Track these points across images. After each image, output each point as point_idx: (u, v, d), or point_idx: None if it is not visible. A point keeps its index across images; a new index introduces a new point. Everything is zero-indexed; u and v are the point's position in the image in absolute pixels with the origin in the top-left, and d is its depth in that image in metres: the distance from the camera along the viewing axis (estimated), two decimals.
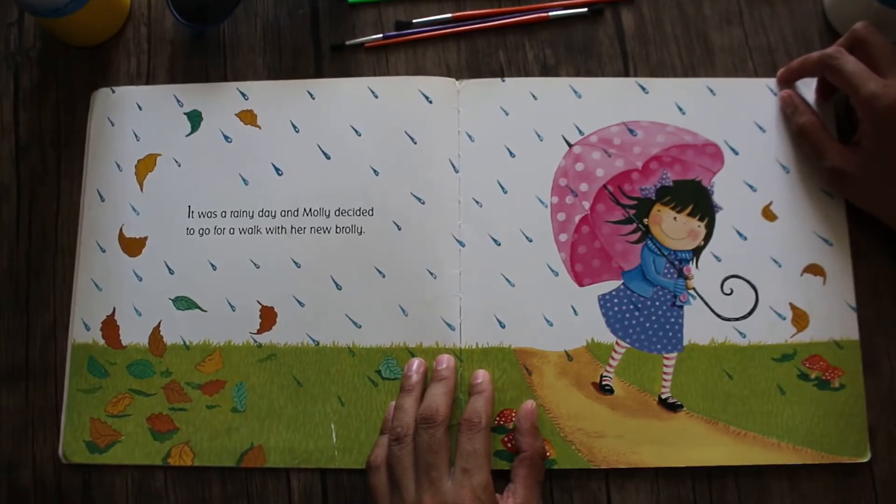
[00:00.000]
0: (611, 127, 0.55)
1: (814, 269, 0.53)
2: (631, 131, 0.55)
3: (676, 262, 0.53)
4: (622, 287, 0.53)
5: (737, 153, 0.54)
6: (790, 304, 0.52)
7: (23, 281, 0.56)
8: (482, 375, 0.51)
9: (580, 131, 0.55)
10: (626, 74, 0.57)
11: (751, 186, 0.54)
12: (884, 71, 0.48)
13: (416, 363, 0.51)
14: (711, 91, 0.55)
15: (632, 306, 0.53)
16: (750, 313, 0.52)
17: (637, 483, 0.51)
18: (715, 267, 0.53)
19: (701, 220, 0.54)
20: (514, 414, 0.51)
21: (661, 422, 0.51)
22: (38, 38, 0.60)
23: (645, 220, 0.54)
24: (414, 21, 0.58)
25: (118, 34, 0.59)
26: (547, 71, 0.57)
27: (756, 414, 0.51)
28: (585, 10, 0.57)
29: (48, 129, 0.58)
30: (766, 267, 0.53)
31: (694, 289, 0.53)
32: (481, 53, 0.58)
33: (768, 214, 0.54)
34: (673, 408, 0.51)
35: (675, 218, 0.54)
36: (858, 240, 0.53)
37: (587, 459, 0.51)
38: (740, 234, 0.53)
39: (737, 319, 0.52)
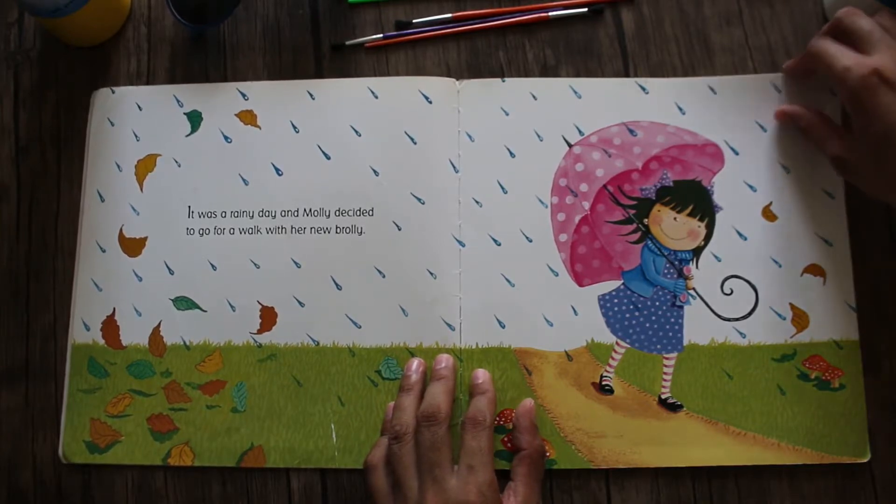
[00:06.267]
0: (611, 127, 0.55)
1: (814, 270, 0.53)
2: (631, 131, 0.55)
3: (676, 263, 0.53)
4: (622, 287, 0.53)
5: (737, 153, 0.54)
6: (790, 304, 0.52)
7: (23, 281, 0.56)
8: (482, 375, 0.51)
9: (580, 131, 0.55)
10: (626, 74, 0.57)
11: (751, 186, 0.54)
12: (867, 50, 0.47)
13: (415, 363, 0.51)
14: (712, 90, 0.55)
15: (632, 306, 0.53)
16: (750, 313, 0.52)
17: (637, 483, 0.51)
18: (715, 267, 0.53)
19: (701, 220, 0.54)
20: (513, 414, 0.51)
21: (660, 422, 0.51)
22: (38, 38, 0.60)
23: (645, 221, 0.54)
24: (414, 21, 0.58)
25: (118, 34, 0.59)
26: (547, 71, 0.57)
27: (756, 414, 0.51)
28: (585, 10, 0.57)
29: (48, 129, 0.58)
30: (766, 267, 0.53)
31: (694, 289, 0.53)
32: (481, 53, 0.57)
33: (768, 214, 0.54)
34: (673, 408, 0.51)
35: (675, 218, 0.54)
36: (858, 240, 0.53)
37: (587, 459, 0.51)
38: (740, 235, 0.53)
39: (737, 319, 0.52)
